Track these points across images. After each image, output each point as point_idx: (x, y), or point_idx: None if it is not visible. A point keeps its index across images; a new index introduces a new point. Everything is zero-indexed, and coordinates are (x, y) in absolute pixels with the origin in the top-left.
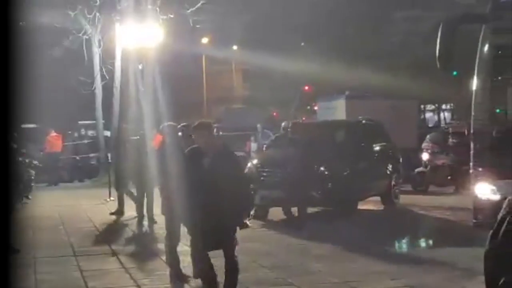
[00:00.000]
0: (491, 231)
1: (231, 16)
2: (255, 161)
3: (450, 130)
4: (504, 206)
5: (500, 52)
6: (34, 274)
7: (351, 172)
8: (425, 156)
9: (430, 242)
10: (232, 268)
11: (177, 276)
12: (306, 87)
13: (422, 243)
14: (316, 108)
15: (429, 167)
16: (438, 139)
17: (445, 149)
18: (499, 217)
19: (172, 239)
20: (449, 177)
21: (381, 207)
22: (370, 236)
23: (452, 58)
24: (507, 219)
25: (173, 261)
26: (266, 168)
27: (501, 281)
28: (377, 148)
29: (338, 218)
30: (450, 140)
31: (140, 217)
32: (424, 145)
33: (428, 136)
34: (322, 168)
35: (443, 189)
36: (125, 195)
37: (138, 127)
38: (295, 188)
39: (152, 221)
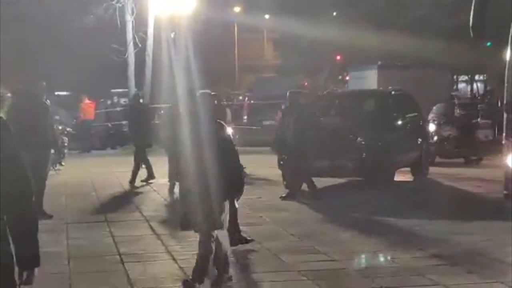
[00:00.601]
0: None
1: None
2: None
3: (456, 101)
4: None
5: None
6: (67, 240)
7: (386, 142)
8: (431, 128)
9: (460, 213)
10: None
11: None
12: (338, 57)
13: (451, 215)
14: (347, 78)
15: (436, 138)
16: (445, 110)
17: (452, 120)
18: None
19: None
20: (456, 149)
21: (411, 178)
22: (399, 207)
23: (485, 27)
24: None
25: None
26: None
27: None
28: (407, 119)
29: (368, 189)
30: (457, 111)
31: (172, 184)
32: (430, 116)
33: (434, 107)
34: (358, 138)
35: (451, 161)
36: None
37: (171, 95)
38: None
39: None
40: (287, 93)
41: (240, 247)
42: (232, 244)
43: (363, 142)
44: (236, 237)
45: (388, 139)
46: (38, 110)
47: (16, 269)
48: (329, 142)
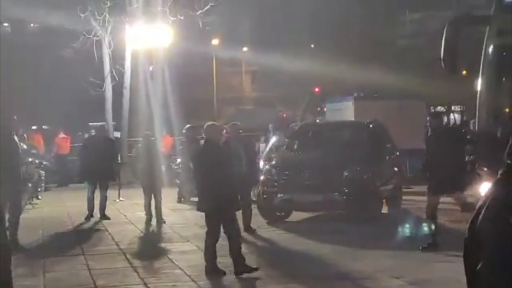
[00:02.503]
0: (470, 220)
1: (241, 18)
2: (273, 163)
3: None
4: (484, 197)
5: (504, 53)
6: (43, 273)
7: (372, 174)
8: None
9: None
10: None
11: (213, 271)
12: (316, 89)
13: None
14: (325, 109)
15: None
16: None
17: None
18: (477, 206)
19: (212, 234)
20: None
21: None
22: (376, 236)
23: (456, 59)
24: (484, 207)
25: (210, 256)
26: (288, 171)
27: (478, 266)
28: (385, 149)
29: (343, 219)
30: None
31: (148, 217)
32: None
33: None
34: (345, 173)
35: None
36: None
37: (147, 128)
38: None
39: (160, 221)
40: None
41: None
42: (236, 273)
43: (350, 176)
44: (241, 265)
45: (374, 171)
46: (5, 146)
47: None
48: (316, 177)
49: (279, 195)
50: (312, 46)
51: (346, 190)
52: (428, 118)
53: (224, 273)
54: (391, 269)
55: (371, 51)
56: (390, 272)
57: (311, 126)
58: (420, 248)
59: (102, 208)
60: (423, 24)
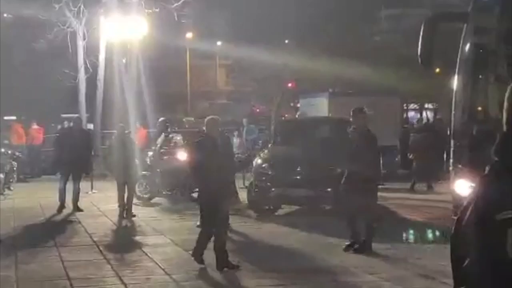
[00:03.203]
0: (456, 217)
1: (215, 11)
2: (265, 157)
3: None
4: (468, 195)
5: (481, 51)
6: (15, 264)
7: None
8: None
9: (410, 238)
10: None
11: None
12: (290, 84)
13: (402, 239)
14: (298, 105)
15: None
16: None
17: None
18: (464, 204)
19: (208, 227)
20: None
21: None
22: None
23: (433, 55)
24: (471, 205)
25: (200, 249)
26: (281, 166)
27: (465, 263)
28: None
29: (322, 214)
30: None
31: (121, 209)
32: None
33: None
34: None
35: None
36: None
37: (122, 121)
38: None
39: (130, 213)
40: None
41: None
42: (218, 268)
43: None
44: (223, 261)
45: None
46: None
47: None
48: (309, 172)
49: (272, 190)
50: (287, 41)
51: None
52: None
53: (218, 268)
54: (366, 265)
55: (346, 47)
56: (366, 268)
57: (297, 122)
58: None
59: (75, 200)
60: (398, 21)
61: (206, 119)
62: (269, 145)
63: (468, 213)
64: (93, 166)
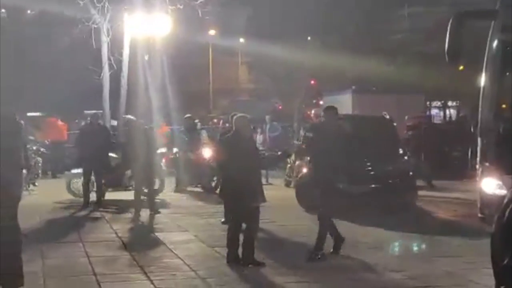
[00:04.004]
0: (496, 216)
1: (238, 8)
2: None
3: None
4: (508, 193)
5: (508, 48)
6: (42, 259)
7: (411, 168)
8: None
9: (436, 235)
10: None
11: (232, 259)
12: (312, 81)
13: (429, 236)
14: (321, 102)
15: None
16: None
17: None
18: (504, 202)
19: (233, 223)
20: None
21: None
22: (377, 230)
23: (460, 52)
24: (511, 204)
25: (230, 245)
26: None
27: (505, 261)
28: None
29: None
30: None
31: (139, 206)
32: None
33: None
34: (389, 166)
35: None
36: None
37: (145, 117)
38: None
39: (154, 209)
40: None
41: None
42: (243, 264)
43: (394, 169)
44: (249, 258)
45: (410, 165)
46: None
47: None
48: (362, 168)
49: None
50: (309, 38)
51: (390, 182)
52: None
53: (243, 263)
54: (391, 263)
55: (368, 45)
56: (390, 266)
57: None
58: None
59: (99, 195)
60: (421, 19)
61: (234, 117)
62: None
63: (508, 211)
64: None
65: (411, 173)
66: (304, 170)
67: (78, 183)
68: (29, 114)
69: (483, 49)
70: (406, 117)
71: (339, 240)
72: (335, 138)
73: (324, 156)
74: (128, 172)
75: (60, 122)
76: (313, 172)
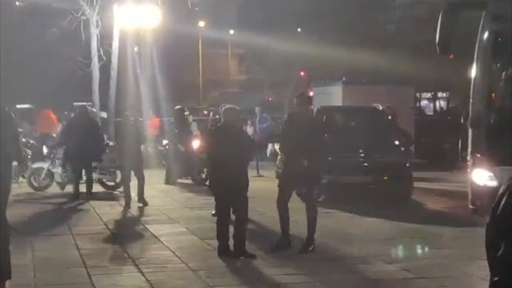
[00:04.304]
0: (492, 205)
1: (228, 0)
2: None
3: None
4: (504, 184)
5: (499, 39)
6: (32, 252)
7: (407, 159)
8: None
9: (428, 226)
10: None
11: (222, 251)
12: (302, 73)
13: (421, 227)
14: (311, 93)
15: None
16: None
17: None
18: (499, 192)
19: (221, 215)
20: None
21: None
22: (369, 220)
23: (451, 43)
24: (506, 193)
25: (220, 236)
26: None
27: (500, 252)
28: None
29: (335, 202)
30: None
31: (128, 200)
32: None
33: None
34: (387, 157)
35: None
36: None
37: (135, 109)
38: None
39: (144, 202)
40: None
41: None
42: (234, 256)
43: (392, 160)
44: (241, 249)
45: (407, 156)
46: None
47: None
48: (360, 159)
49: (324, 177)
50: (299, 30)
51: (389, 173)
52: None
53: (235, 255)
54: (384, 254)
55: (359, 35)
56: (384, 257)
57: (337, 110)
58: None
59: (89, 188)
60: (412, 9)
61: (223, 109)
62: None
63: (504, 201)
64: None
65: (407, 164)
66: None
67: (39, 177)
68: (18, 106)
69: (473, 39)
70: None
71: (285, 240)
72: (308, 126)
73: (296, 145)
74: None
75: (52, 115)
76: (285, 162)
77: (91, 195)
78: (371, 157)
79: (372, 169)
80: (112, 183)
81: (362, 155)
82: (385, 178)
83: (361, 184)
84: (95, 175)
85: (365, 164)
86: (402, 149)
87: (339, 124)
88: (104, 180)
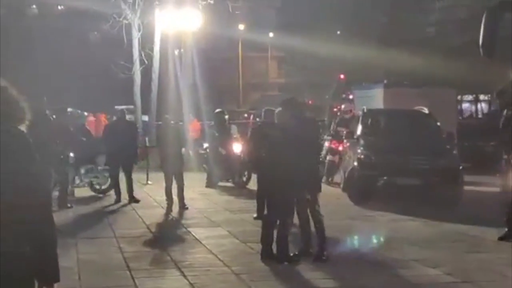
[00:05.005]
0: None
1: (267, 3)
2: (370, 147)
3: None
4: None
5: None
6: (76, 254)
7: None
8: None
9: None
10: None
11: (266, 255)
12: (341, 76)
13: (462, 231)
14: (350, 97)
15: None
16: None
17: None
18: None
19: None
20: None
21: None
22: (411, 225)
23: (495, 45)
24: None
25: (264, 238)
26: (388, 155)
27: None
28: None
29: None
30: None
31: (169, 202)
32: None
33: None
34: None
35: None
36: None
37: (176, 113)
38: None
39: (183, 206)
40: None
41: None
42: (278, 261)
43: (446, 163)
44: (284, 254)
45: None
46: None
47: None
48: (416, 162)
49: (381, 178)
50: (339, 32)
51: (444, 176)
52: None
53: (278, 261)
54: (426, 259)
55: (399, 38)
56: (426, 262)
57: (378, 114)
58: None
59: (130, 191)
60: (452, 11)
61: (276, 111)
62: (358, 134)
63: None
64: (149, 157)
65: (460, 167)
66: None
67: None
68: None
69: None
70: (343, 106)
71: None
72: (301, 133)
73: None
74: None
75: (92, 118)
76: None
77: (133, 198)
78: (425, 160)
79: (426, 172)
80: (102, 187)
81: (418, 157)
82: (439, 181)
83: (414, 186)
84: (86, 178)
85: (421, 167)
86: (455, 152)
87: (390, 127)
88: (94, 183)
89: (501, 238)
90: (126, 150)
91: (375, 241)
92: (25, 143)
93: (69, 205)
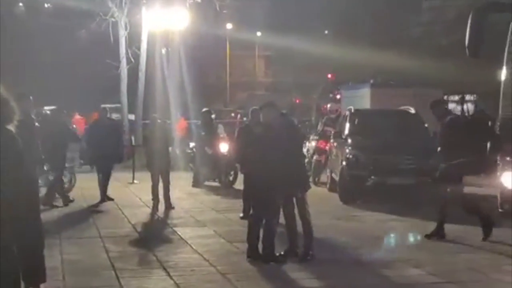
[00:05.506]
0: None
1: (255, 2)
2: (359, 146)
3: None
4: None
5: None
6: (61, 254)
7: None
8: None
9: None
10: None
11: (253, 254)
12: (330, 75)
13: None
14: (338, 96)
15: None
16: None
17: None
18: None
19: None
20: None
21: None
22: (396, 225)
23: (481, 46)
24: None
25: (250, 238)
26: (376, 154)
27: None
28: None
29: (362, 207)
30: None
31: (155, 201)
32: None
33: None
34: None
35: None
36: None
37: (163, 112)
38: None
39: (169, 206)
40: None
41: None
42: (263, 260)
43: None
44: (270, 254)
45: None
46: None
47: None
48: (406, 161)
49: (371, 178)
50: (326, 32)
51: (431, 175)
52: None
53: (264, 260)
54: (413, 258)
55: (386, 39)
56: (410, 262)
57: (365, 113)
58: None
59: (104, 190)
60: (439, 12)
61: (263, 109)
62: (346, 134)
63: None
64: (134, 156)
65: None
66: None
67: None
68: (46, 107)
69: (502, 42)
70: (329, 105)
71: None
72: (284, 134)
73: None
74: None
75: (78, 116)
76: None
77: (106, 197)
78: (414, 160)
79: (414, 172)
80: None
81: (407, 157)
82: (427, 180)
83: (403, 186)
84: (50, 176)
85: (409, 166)
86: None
87: (378, 127)
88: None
89: (427, 236)
90: (106, 149)
91: (361, 241)
92: (15, 142)
93: (55, 203)
